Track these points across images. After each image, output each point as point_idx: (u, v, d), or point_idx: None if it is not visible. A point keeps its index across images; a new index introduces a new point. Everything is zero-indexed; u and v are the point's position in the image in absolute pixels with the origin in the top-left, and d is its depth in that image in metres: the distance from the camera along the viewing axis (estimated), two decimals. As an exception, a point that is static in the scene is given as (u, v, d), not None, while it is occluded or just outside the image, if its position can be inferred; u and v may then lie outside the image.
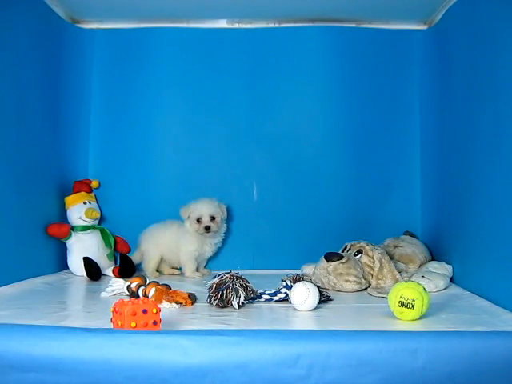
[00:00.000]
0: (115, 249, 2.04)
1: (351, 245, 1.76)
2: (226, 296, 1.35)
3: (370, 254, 1.70)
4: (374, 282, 1.65)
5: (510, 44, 1.36)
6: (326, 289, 1.60)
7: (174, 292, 1.40)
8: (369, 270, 1.68)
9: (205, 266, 2.07)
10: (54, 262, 1.93)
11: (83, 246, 1.94)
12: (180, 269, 2.03)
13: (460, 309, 1.36)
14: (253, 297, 1.41)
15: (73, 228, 1.96)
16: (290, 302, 1.36)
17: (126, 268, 1.92)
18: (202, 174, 2.14)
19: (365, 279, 1.66)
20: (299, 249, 2.08)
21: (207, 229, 1.90)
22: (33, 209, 1.78)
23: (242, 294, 1.35)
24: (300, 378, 0.89)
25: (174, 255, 1.99)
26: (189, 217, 1.94)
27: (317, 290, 1.34)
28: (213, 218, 1.92)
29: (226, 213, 1.99)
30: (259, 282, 1.51)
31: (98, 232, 2.01)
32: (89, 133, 2.17)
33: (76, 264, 1.92)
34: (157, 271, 2.00)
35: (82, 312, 1.38)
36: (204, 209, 1.92)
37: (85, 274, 1.87)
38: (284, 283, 1.45)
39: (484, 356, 0.91)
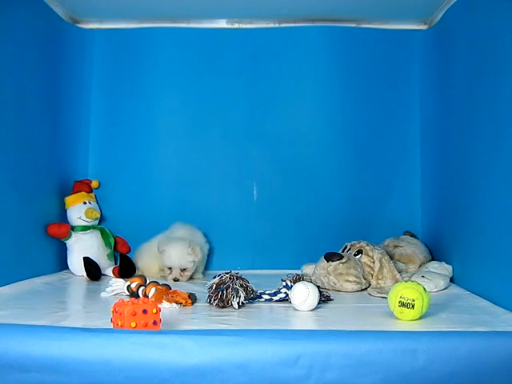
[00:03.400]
0: (115, 249, 2.04)
1: (351, 245, 1.76)
2: (226, 296, 1.35)
3: (370, 254, 1.70)
4: (374, 282, 1.65)
5: (510, 44, 1.36)
6: (326, 289, 1.60)
7: (174, 292, 1.40)
8: (369, 269, 1.68)
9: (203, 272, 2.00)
10: (53, 262, 1.92)
11: (83, 246, 1.94)
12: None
13: (460, 309, 1.36)
14: (253, 297, 1.41)
15: (73, 228, 1.96)
16: (290, 302, 1.36)
17: (126, 268, 1.92)
18: (202, 173, 2.14)
19: (365, 279, 1.66)
20: (299, 249, 2.08)
21: (176, 280, 1.83)
22: (33, 209, 1.78)
23: (242, 294, 1.35)
24: (300, 378, 0.89)
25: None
26: (163, 252, 1.86)
27: (317, 290, 1.34)
28: (184, 269, 1.84)
29: (199, 253, 1.86)
30: (259, 282, 1.51)
31: (98, 232, 2.01)
32: (89, 133, 2.16)
33: (76, 264, 1.91)
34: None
35: (81, 312, 1.38)
36: (175, 259, 1.82)
37: (85, 273, 1.86)
38: (284, 283, 1.45)
39: (484, 356, 0.91)
